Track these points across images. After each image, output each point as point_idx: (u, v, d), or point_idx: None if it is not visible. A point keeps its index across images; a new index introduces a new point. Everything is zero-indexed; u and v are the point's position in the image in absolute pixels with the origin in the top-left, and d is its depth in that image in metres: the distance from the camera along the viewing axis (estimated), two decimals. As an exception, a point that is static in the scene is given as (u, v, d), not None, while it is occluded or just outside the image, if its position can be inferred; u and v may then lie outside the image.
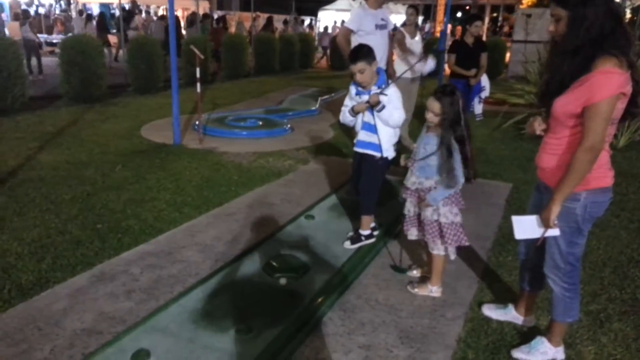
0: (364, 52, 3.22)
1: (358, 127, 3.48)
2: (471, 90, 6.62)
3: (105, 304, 2.85)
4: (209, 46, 11.82)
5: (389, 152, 3.40)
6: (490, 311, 2.86)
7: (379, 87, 3.28)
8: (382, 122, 3.31)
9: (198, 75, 6.34)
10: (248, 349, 2.40)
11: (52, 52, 15.77)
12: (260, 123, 7.60)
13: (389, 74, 6.28)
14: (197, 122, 7.05)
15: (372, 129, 3.36)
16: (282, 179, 5.22)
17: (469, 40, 6.41)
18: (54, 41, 17.23)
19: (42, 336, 2.55)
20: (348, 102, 3.47)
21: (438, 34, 19.64)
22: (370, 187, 3.49)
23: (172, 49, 6.20)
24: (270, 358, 2.36)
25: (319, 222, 4.02)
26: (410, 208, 3.05)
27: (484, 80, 7.04)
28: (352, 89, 3.42)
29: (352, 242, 3.57)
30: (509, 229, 4.09)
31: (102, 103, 8.98)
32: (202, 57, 6.54)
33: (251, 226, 3.96)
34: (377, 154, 3.38)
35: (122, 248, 3.56)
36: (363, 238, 3.59)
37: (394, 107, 3.25)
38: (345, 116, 3.47)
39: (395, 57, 6.26)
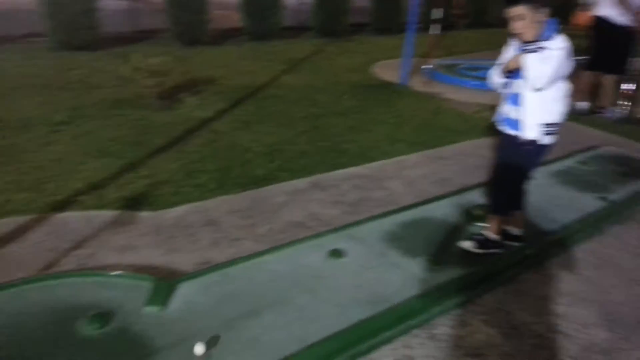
0: None
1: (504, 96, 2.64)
2: None
3: (316, 207, 3.30)
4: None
5: (534, 133, 2.51)
6: None
7: (541, 39, 2.39)
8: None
9: (432, 17, 6.32)
10: (431, 278, 2.53)
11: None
12: (494, 76, 7.25)
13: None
14: (427, 66, 7.11)
15: (516, 100, 2.56)
16: (504, 135, 5.00)
17: None
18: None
19: (264, 218, 3.12)
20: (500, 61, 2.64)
21: None
22: (503, 178, 2.73)
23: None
24: (453, 293, 2.44)
25: (537, 185, 3.78)
26: None
27: None
28: (512, 46, 2.58)
29: (478, 245, 2.80)
30: None
31: (342, 38, 9.71)
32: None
33: (460, 172, 3.96)
34: (518, 134, 2.57)
35: (338, 166, 3.99)
36: (490, 244, 2.80)
37: (548, 64, 2.35)
38: (492, 79, 2.66)
39: None
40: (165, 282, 2.35)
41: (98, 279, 2.35)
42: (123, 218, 3.02)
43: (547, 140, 2.55)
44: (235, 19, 9.22)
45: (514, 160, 2.65)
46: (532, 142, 2.54)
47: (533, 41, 2.40)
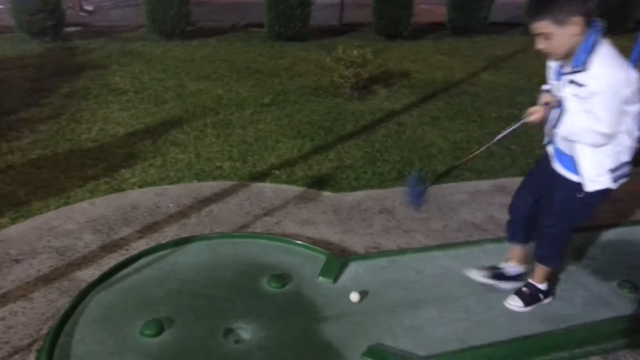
0: (551, 2, 1.89)
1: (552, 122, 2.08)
2: None
3: (497, 211, 3.19)
4: None
5: (594, 183, 2.03)
6: None
7: (575, 67, 1.93)
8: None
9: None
10: (624, 304, 2.27)
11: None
12: None
13: None
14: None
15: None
16: None
17: None
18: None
19: (440, 214, 3.15)
20: (546, 86, 2.26)
21: None
22: (557, 228, 2.19)
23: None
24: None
25: None
26: None
27: None
28: (552, 66, 2.17)
29: (525, 303, 2.29)
30: None
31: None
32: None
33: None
34: (575, 179, 2.08)
35: (525, 172, 3.78)
36: (541, 296, 2.32)
37: (592, 112, 1.88)
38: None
39: None
40: (338, 258, 2.56)
41: (282, 244, 2.68)
42: (308, 195, 3.35)
43: (614, 186, 2.06)
44: (439, 13, 9.20)
45: (571, 209, 2.15)
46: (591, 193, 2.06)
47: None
